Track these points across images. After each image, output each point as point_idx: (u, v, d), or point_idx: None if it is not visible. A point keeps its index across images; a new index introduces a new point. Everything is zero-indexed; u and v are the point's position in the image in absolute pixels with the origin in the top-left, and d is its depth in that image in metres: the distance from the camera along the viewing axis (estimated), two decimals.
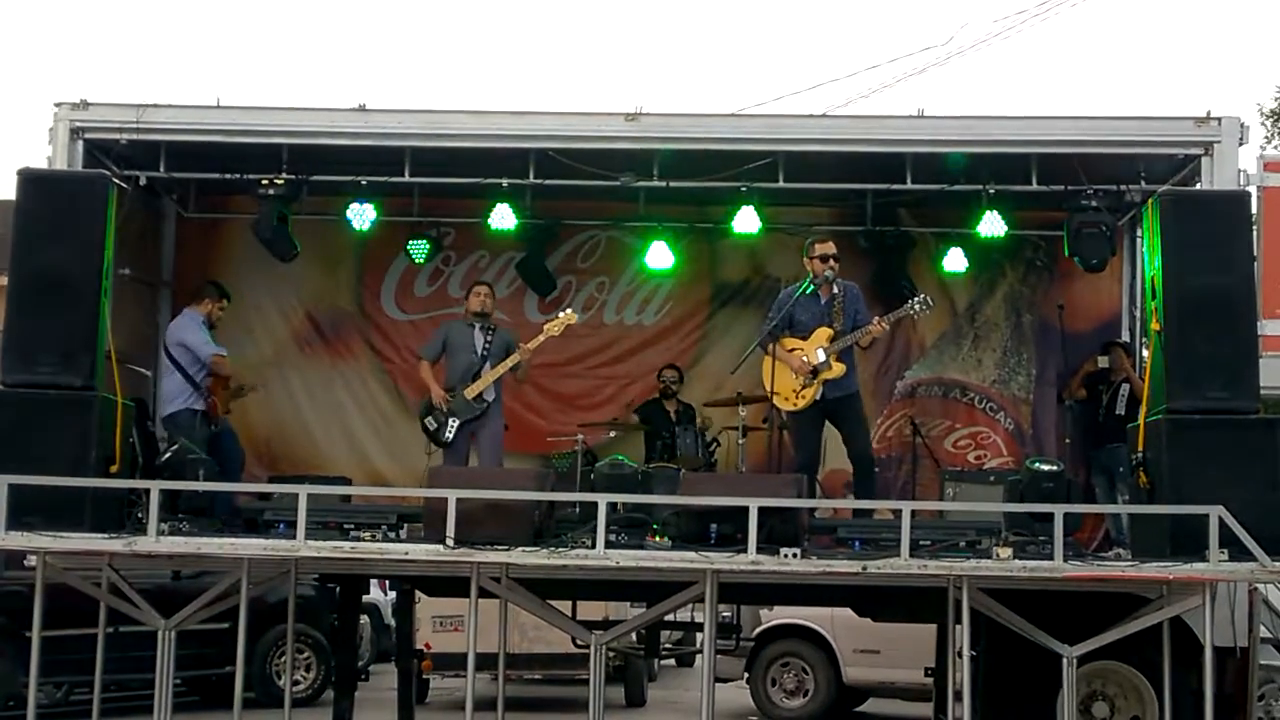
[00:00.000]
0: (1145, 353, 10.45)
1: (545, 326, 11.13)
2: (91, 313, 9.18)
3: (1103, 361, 11.95)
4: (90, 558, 9.21)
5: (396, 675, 11.96)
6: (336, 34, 60.06)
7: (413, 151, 10.63)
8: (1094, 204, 10.54)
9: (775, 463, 11.28)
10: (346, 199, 11.53)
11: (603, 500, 8.52)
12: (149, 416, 11.14)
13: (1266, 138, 26.13)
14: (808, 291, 10.23)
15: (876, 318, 10.14)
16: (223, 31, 57.09)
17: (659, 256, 12.11)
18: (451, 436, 10.91)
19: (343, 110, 10.38)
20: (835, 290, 10.18)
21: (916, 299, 10.29)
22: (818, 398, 10.06)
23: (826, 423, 10.25)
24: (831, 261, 10.15)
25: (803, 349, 10.08)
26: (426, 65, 61.15)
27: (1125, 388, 11.70)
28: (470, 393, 10.94)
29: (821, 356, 10.00)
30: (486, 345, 11.09)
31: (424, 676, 14.25)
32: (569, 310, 11.28)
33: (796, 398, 10.10)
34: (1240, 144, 9.76)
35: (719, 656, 10.83)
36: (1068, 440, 12.17)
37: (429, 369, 11.20)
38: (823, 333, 10.09)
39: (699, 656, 13.25)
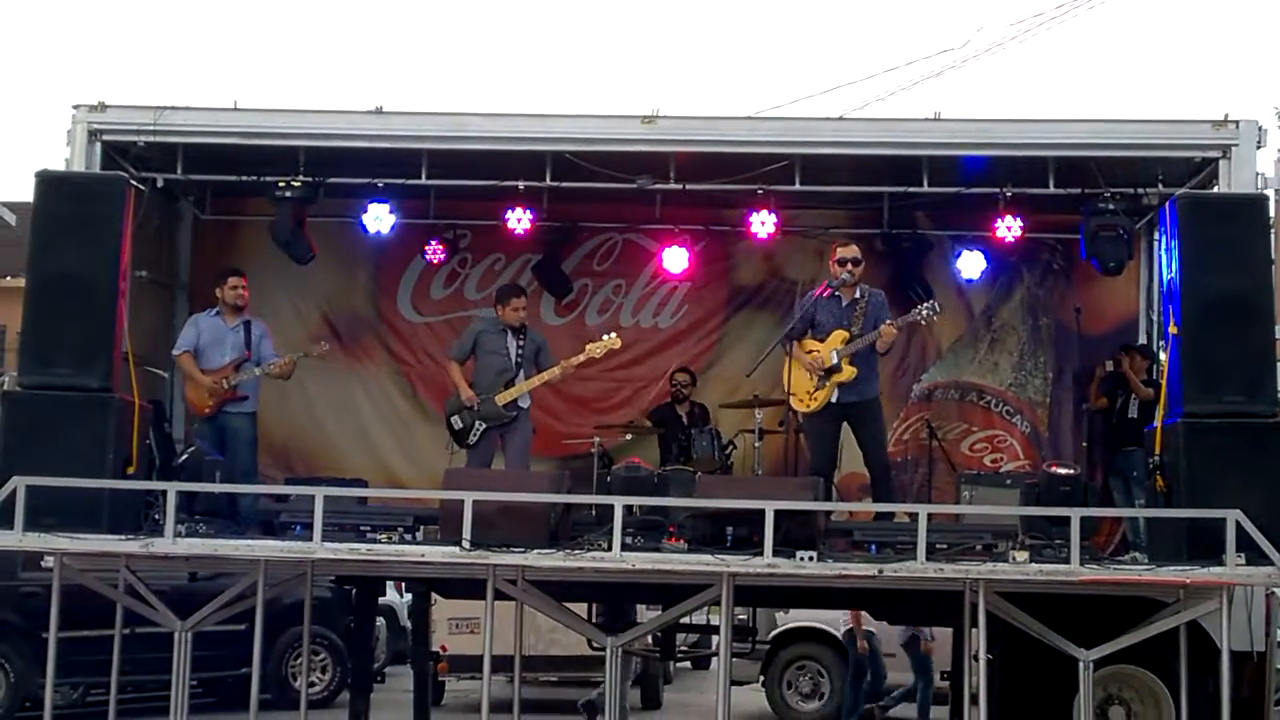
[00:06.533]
0: (1163, 356, 10.41)
1: (588, 347, 10.88)
2: (108, 314, 9.21)
3: (1110, 367, 11.92)
4: (107, 559, 9.25)
5: (412, 677, 11.99)
6: (353, 36, 60.23)
7: (429, 154, 10.62)
8: (1111, 207, 10.50)
9: (791, 465, 11.26)
10: (363, 201, 11.54)
11: (619, 503, 8.52)
12: (166, 418, 11.15)
13: None
14: (829, 294, 10.19)
15: (888, 321, 10.06)
16: (240, 34, 57.27)
17: (675, 259, 12.10)
18: (476, 440, 10.72)
19: (360, 112, 10.38)
20: (858, 294, 10.12)
21: (925, 304, 10.17)
22: (832, 400, 9.99)
23: (845, 428, 10.21)
24: (850, 265, 10.05)
25: (819, 350, 10.05)
26: (443, 68, 61.30)
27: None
28: (503, 399, 10.70)
29: (834, 359, 9.97)
30: (520, 351, 10.85)
31: (440, 678, 14.28)
32: (613, 335, 10.99)
33: (810, 399, 10.06)
34: (1258, 147, 9.72)
35: (735, 659, 10.80)
36: (1085, 443, 12.15)
37: (458, 369, 10.98)
38: (839, 335, 10.04)
39: (715, 659, 13.28)
